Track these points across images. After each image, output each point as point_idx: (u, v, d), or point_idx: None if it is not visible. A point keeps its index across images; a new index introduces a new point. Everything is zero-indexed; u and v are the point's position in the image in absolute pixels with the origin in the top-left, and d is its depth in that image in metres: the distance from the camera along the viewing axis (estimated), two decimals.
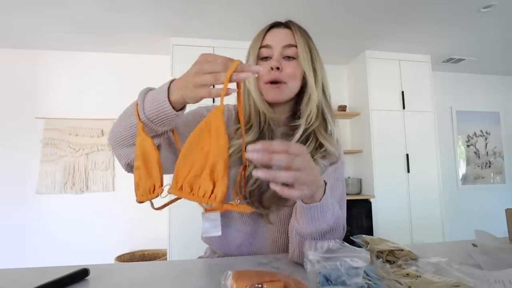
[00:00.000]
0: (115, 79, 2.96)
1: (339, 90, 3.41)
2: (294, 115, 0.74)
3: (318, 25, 2.54)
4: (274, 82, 0.69)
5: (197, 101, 0.49)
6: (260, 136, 0.70)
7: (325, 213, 0.54)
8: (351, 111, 3.27)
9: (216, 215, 0.49)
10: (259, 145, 0.42)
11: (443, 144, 3.38)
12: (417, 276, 0.45)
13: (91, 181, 2.79)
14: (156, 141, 0.56)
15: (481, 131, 3.68)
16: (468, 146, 3.63)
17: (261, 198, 0.68)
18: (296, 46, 0.70)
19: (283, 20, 0.75)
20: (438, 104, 3.24)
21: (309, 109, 0.69)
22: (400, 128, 2.99)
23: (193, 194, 0.44)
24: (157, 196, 0.49)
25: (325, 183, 0.55)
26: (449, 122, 3.62)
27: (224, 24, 2.49)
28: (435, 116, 3.07)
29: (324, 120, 0.73)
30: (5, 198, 2.65)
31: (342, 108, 3.22)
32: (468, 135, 3.65)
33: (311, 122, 0.70)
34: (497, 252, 0.63)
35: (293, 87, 0.70)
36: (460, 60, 3.29)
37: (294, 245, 0.60)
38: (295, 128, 0.70)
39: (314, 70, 0.70)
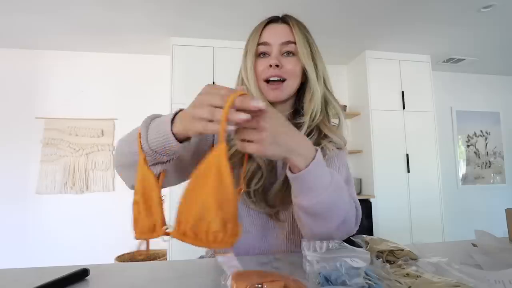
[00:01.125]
0: (115, 79, 2.96)
1: (339, 90, 3.41)
2: (296, 111, 0.73)
3: (318, 25, 2.54)
4: (273, 82, 0.67)
5: (196, 133, 0.45)
6: None
7: (317, 180, 0.50)
8: (351, 111, 3.27)
9: (231, 255, 0.47)
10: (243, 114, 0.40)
11: (443, 144, 3.38)
12: (417, 276, 0.45)
13: (91, 181, 2.79)
14: (161, 168, 0.53)
15: (481, 131, 3.68)
16: (468, 146, 3.63)
17: (266, 197, 0.67)
18: (295, 43, 0.68)
19: (280, 14, 0.74)
20: (438, 104, 3.24)
21: (312, 106, 0.69)
22: (400, 128, 2.99)
23: (200, 240, 0.40)
24: (158, 237, 0.45)
25: (316, 151, 0.51)
26: (449, 122, 3.62)
27: (224, 24, 2.49)
28: (435, 116, 3.07)
29: (327, 113, 0.72)
30: (5, 198, 2.65)
31: (342, 108, 3.22)
32: (468, 135, 3.65)
33: (315, 118, 0.69)
34: (497, 252, 0.63)
35: (293, 84, 0.69)
36: (460, 60, 3.29)
37: (303, 226, 0.57)
38: (299, 125, 0.68)
39: (315, 65, 0.69)
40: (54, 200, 2.71)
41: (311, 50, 0.69)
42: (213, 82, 2.64)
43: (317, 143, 0.68)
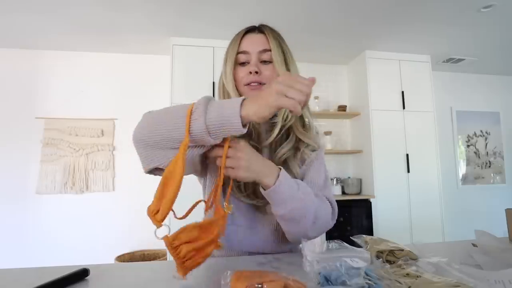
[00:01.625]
0: (115, 79, 2.96)
1: (339, 90, 3.42)
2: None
3: (318, 25, 2.54)
4: (253, 85, 0.73)
5: (276, 111, 0.52)
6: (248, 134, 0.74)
7: (286, 192, 0.61)
8: (351, 111, 3.27)
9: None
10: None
11: (443, 144, 3.38)
12: (417, 276, 0.45)
13: (91, 181, 2.79)
14: (196, 152, 0.57)
15: (481, 131, 3.68)
16: (468, 146, 3.63)
17: (255, 190, 0.71)
18: (270, 50, 0.74)
19: (256, 24, 0.80)
20: (438, 104, 3.24)
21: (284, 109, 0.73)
22: (400, 128, 2.99)
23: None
24: (154, 224, 0.50)
25: (280, 170, 0.63)
26: (449, 122, 3.62)
27: (224, 24, 2.49)
28: (435, 116, 3.07)
29: (301, 116, 0.77)
30: (5, 198, 2.65)
31: (342, 108, 3.22)
32: (468, 135, 3.65)
33: (287, 120, 0.73)
34: (497, 252, 0.63)
35: None
36: (460, 60, 3.29)
37: (285, 232, 0.69)
38: (273, 124, 0.74)
39: (288, 71, 0.75)
40: (54, 200, 2.71)
41: (284, 57, 0.75)
42: (213, 82, 2.64)
43: (296, 148, 0.75)
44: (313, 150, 0.77)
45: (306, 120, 0.78)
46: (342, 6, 2.26)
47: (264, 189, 0.62)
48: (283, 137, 0.74)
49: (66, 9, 2.20)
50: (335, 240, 0.55)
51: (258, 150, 0.71)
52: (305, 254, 0.50)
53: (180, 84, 2.62)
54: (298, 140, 0.75)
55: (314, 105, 3.21)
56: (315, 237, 0.68)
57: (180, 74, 2.64)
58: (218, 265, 0.62)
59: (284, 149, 0.72)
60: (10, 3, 2.12)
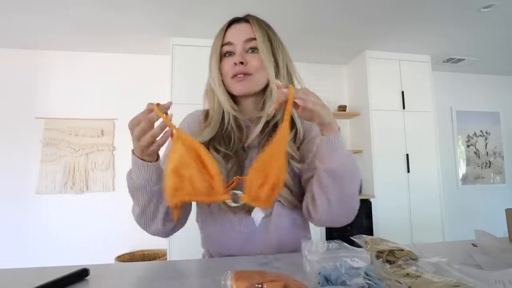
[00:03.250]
0: (115, 79, 2.96)
1: (339, 90, 3.41)
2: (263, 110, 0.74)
3: (318, 25, 2.54)
4: (239, 76, 0.70)
5: (145, 147, 0.55)
6: (219, 133, 0.72)
7: (342, 143, 0.60)
8: (351, 111, 3.27)
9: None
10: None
11: (443, 144, 3.38)
12: (417, 276, 0.45)
13: (91, 181, 2.79)
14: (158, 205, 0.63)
15: (481, 131, 3.68)
16: (468, 146, 3.63)
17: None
18: (256, 39, 0.70)
19: (241, 15, 0.77)
20: (438, 104, 3.24)
21: (270, 102, 0.70)
22: (400, 128, 2.99)
23: (269, 202, 0.53)
24: (221, 200, 0.52)
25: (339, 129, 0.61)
26: (449, 122, 3.62)
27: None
28: (435, 116, 3.07)
29: (293, 122, 0.73)
30: (5, 198, 2.65)
31: (342, 108, 3.22)
32: (468, 135, 3.65)
33: (275, 117, 0.71)
34: (497, 252, 0.63)
35: (260, 78, 0.71)
36: (460, 60, 3.29)
37: (329, 191, 0.62)
38: (258, 119, 0.72)
39: (276, 61, 0.71)
40: (54, 200, 2.71)
41: (271, 46, 0.71)
42: None
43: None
44: (299, 162, 0.72)
45: (298, 127, 0.74)
46: (342, 6, 2.26)
47: (323, 135, 0.60)
48: (268, 133, 0.71)
49: (66, 9, 2.20)
50: (335, 240, 0.55)
51: (240, 153, 0.70)
52: (305, 254, 0.50)
53: (180, 84, 2.61)
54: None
55: None
56: (348, 219, 0.66)
57: (180, 74, 2.63)
58: (218, 265, 0.62)
59: None
60: (10, 3, 2.12)
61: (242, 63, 0.69)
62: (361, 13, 2.37)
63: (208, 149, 0.69)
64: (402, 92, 3.03)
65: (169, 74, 2.62)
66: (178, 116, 2.48)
